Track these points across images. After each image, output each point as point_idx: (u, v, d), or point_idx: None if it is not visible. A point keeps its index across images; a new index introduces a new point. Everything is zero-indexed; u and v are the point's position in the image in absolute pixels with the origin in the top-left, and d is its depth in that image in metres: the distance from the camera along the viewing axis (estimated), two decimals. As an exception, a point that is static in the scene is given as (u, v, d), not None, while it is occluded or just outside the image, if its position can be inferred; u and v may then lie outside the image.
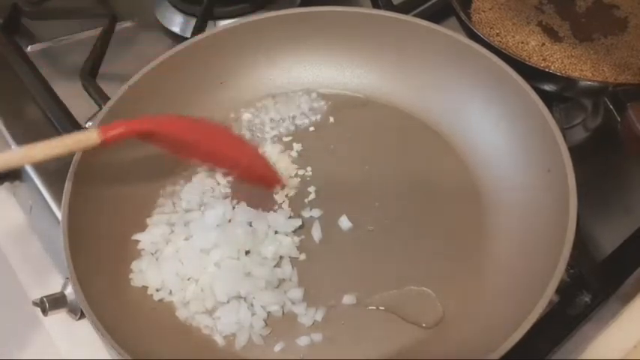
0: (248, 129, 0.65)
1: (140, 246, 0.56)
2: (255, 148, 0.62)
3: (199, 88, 0.65)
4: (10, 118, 0.70)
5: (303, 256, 0.56)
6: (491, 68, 0.59)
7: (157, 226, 0.57)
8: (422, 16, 0.74)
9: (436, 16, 0.74)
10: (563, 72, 0.62)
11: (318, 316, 0.52)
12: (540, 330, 0.49)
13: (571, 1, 0.71)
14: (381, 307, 0.52)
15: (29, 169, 0.65)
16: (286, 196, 0.60)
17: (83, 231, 0.52)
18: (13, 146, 0.67)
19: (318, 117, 0.66)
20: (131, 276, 0.54)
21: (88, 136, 0.51)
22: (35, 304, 0.54)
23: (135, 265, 0.55)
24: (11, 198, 0.70)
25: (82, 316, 0.54)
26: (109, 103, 0.59)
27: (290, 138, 0.64)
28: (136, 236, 0.56)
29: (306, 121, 0.66)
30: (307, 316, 0.52)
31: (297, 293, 0.53)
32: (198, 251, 0.54)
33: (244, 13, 0.77)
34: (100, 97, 0.64)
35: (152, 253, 0.56)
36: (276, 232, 0.56)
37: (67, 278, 0.55)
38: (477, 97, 0.61)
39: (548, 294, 0.45)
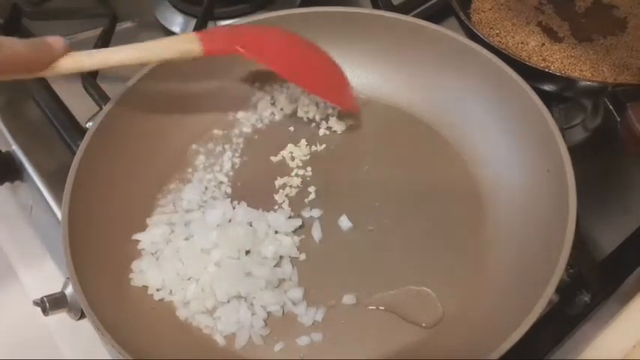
0: (247, 129, 0.65)
1: (140, 246, 0.56)
2: (338, 70, 0.64)
3: (199, 89, 0.65)
4: (10, 118, 0.70)
5: (303, 256, 0.56)
6: (491, 68, 0.59)
7: (157, 226, 0.57)
8: (422, 16, 0.74)
9: (436, 16, 0.75)
10: (563, 72, 0.62)
11: (318, 316, 0.52)
12: (540, 330, 0.49)
13: (570, 2, 0.71)
14: (381, 307, 0.52)
15: (29, 169, 0.65)
16: (286, 196, 0.60)
17: (83, 231, 0.52)
18: (14, 146, 0.67)
19: (318, 117, 0.66)
20: (131, 276, 0.54)
21: (191, 47, 0.53)
22: (35, 303, 0.54)
23: (135, 265, 0.55)
24: (11, 198, 0.70)
25: (82, 316, 0.54)
26: (110, 103, 0.59)
27: (290, 138, 0.64)
28: (136, 236, 0.56)
29: (306, 121, 0.66)
30: (307, 316, 0.52)
31: (297, 293, 0.53)
32: (198, 251, 0.55)
33: (244, 14, 0.77)
34: (100, 97, 0.64)
35: (152, 253, 0.56)
36: (276, 232, 0.56)
37: (67, 278, 0.55)
38: (476, 98, 0.61)
39: (548, 294, 0.45)
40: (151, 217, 0.58)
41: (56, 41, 0.50)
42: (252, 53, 0.56)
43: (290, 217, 0.58)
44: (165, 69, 0.61)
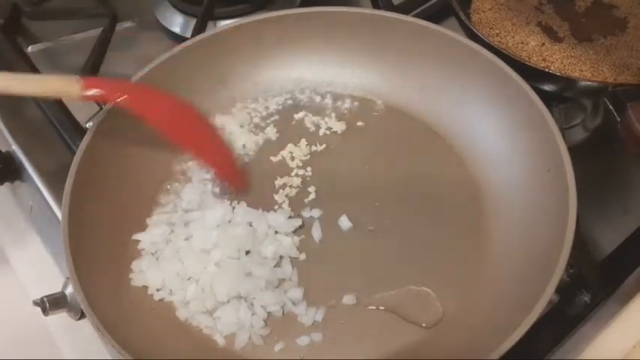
0: (248, 128, 0.65)
1: (140, 246, 0.56)
2: (224, 143, 0.62)
3: (199, 88, 0.65)
4: (10, 118, 0.70)
5: (303, 256, 0.56)
6: (491, 68, 0.59)
7: (157, 226, 0.57)
8: (422, 16, 0.74)
9: (436, 16, 0.75)
10: (563, 72, 0.62)
11: (318, 316, 0.52)
12: (540, 330, 0.49)
13: (570, 2, 0.71)
14: (381, 307, 0.52)
15: (29, 169, 0.65)
16: (286, 196, 0.60)
17: (83, 231, 0.52)
18: (14, 146, 0.67)
19: (318, 117, 0.66)
20: (131, 276, 0.54)
21: (69, 84, 0.51)
22: (35, 303, 0.54)
23: (135, 265, 0.55)
24: (11, 198, 0.70)
25: (82, 316, 0.54)
26: (109, 104, 0.59)
27: (290, 138, 0.64)
28: (136, 236, 0.56)
29: (305, 121, 0.66)
30: (307, 316, 0.52)
31: (297, 293, 0.53)
32: (198, 251, 0.55)
33: (244, 13, 0.77)
34: (100, 97, 0.64)
35: (152, 253, 0.56)
36: (276, 232, 0.56)
37: (67, 278, 0.55)
38: (476, 98, 0.61)
39: (548, 293, 0.45)
40: (150, 217, 0.58)
41: None
42: (133, 106, 0.54)
43: (290, 217, 0.58)
44: (166, 69, 0.61)
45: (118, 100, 0.53)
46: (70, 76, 0.53)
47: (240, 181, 0.60)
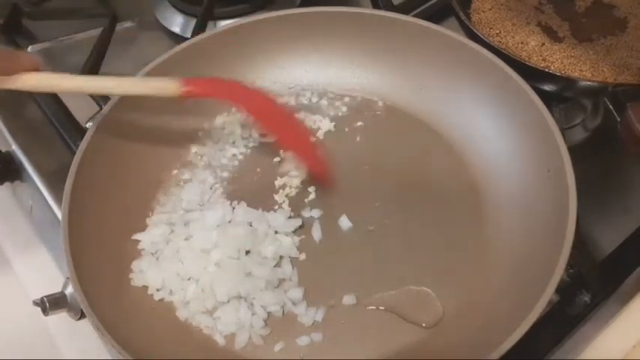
0: (248, 128, 0.65)
1: (140, 246, 0.56)
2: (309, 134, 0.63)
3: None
4: (10, 118, 0.70)
5: (303, 256, 0.56)
6: (491, 68, 0.59)
7: (157, 226, 0.57)
8: (422, 16, 0.74)
9: (436, 16, 0.75)
10: (563, 72, 0.62)
11: (319, 316, 0.52)
12: (540, 330, 0.49)
13: (570, 2, 0.71)
14: (380, 307, 0.52)
15: (29, 169, 0.65)
16: (286, 196, 0.60)
17: (83, 231, 0.52)
18: (14, 146, 0.67)
19: (318, 117, 0.66)
20: (131, 276, 0.54)
21: (168, 86, 0.54)
22: (36, 303, 0.54)
23: (135, 265, 0.55)
24: (11, 198, 0.70)
25: (82, 316, 0.54)
26: (110, 103, 0.59)
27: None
28: (136, 236, 0.56)
29: (306, 121, 0.66)
30: (307, 316, 0.52)
31: (297, 293, 0.53)
32: (198, 251, 0.55)
33: (244, 14, 0.77)
34: (100, 97, 0.64)
35: (152, 253, 0.56)
36: (276, 232, 0.56)
37: (67, 278, 0.55)
38: (476, 98, 0.61)
39: (548, 293, 0.45)
40: (150, 217, 0.58)
41: (27, 56, 0.51)
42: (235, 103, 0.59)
43: (290, 217, 0.58)
44: (166, 69, 0.61)
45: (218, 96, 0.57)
46: (169, 80, 0.55)
47: (325, 172, 0.60)
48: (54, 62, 0.77)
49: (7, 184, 0.69)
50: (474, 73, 0.61)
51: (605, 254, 0.56)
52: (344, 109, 0.66)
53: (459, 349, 0.49)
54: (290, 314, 0.53)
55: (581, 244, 0.54)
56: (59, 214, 0.58)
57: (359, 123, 0.65)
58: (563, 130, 0.57)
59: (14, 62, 0.51)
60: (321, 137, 0.64)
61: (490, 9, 0.70)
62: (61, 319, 0.56)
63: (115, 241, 0.55)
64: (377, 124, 0.65)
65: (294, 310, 0.53)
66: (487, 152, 0.60)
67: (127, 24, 0.82)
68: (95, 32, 0.75)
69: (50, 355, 0.58)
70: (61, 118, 0.66)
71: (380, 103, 0.66)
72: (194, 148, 0.64)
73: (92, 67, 0.69)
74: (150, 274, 0.54)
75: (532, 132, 0.56)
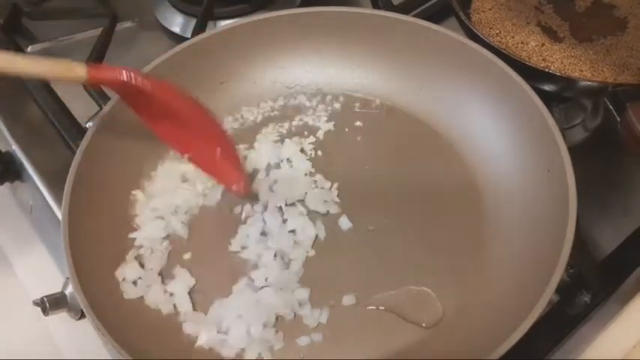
0: (248, 128, 0.65)
1: (137, 242, 0.56)
2: (231, 140, 0.60)
3: (199, 89, 0.64)
4: (10, 118, 0.70)
5: (312, 253, 0.56)
6: (491, 68, 0.59)
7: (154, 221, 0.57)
8: (422, 16, 0.74)
9: (436, 16, 0.75)
10: (563, 72, 0.62)
11: (323, 318, 0.52)
12: (540, 330, 0.49)
13: (570, 2, 0.71)
14: (381, 307, 0.52)
15: (29, 169, 0.65)
16: (286, 196, 0.60)
17: (83, 231, 0.52)
18: (14, 146, 0.67)
19: (318, 117, 0.66)
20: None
21: (76, 70, 0.51)
22: (36, 303, 0.54)
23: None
24: (11, 198, 0.70)
25: (82, 316, 0.54)
26: (110, 103, 0.59)
27: (290, 137, 0.64)
28: (134, 234, 0.56)
29: (306, 121, 0.66)
30: (312, 317, 0.52)
31: (303, 294, 0.53)
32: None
33: (244, 13, 0.77)
34: (100, 97, 0.64)
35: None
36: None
37: (67, 278, 0.55)
38: (476, 98, 0.61)
39: (548, 293, 0.45)
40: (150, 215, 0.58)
41: None
42: (144, 85, 0.52)
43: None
44: (166, 68, 0.61)
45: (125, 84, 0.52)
46: (77, 64, 0.52)
47: (241, 184, 0.58)
48: (54, 62, 0.77)
49: (7, 184, 0.69)
50: (474, 73, 0.61)
51: (605, 254, 0.56)
52: (344, 109, 0.66)
53: (459, 349, 0.49)
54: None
55: (581, 244, 0.54)
56: (59, 214, 0.58)
57: (359, 123, 0.65)
58: (563, 130, 0.57)
59: None
60: (320, 137, 0.64)
61: (490, 9, 0.70)
62: (61, 319, 0.56)
63: (115, 241, 0.55)
64: (377, 124, 0.65)
65: (300, 311, 0.52)
66: (487, 152, 0.60)
67: (127, 24, 0.82)
68: (95, 32, 0.75)
69: (50, 355, 0.57)
70: (61, 118, 0.66)
71: (380, 103, 0.66)
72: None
73: (92, 67, 0.69)
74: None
75: (532, 132, 0.56)
